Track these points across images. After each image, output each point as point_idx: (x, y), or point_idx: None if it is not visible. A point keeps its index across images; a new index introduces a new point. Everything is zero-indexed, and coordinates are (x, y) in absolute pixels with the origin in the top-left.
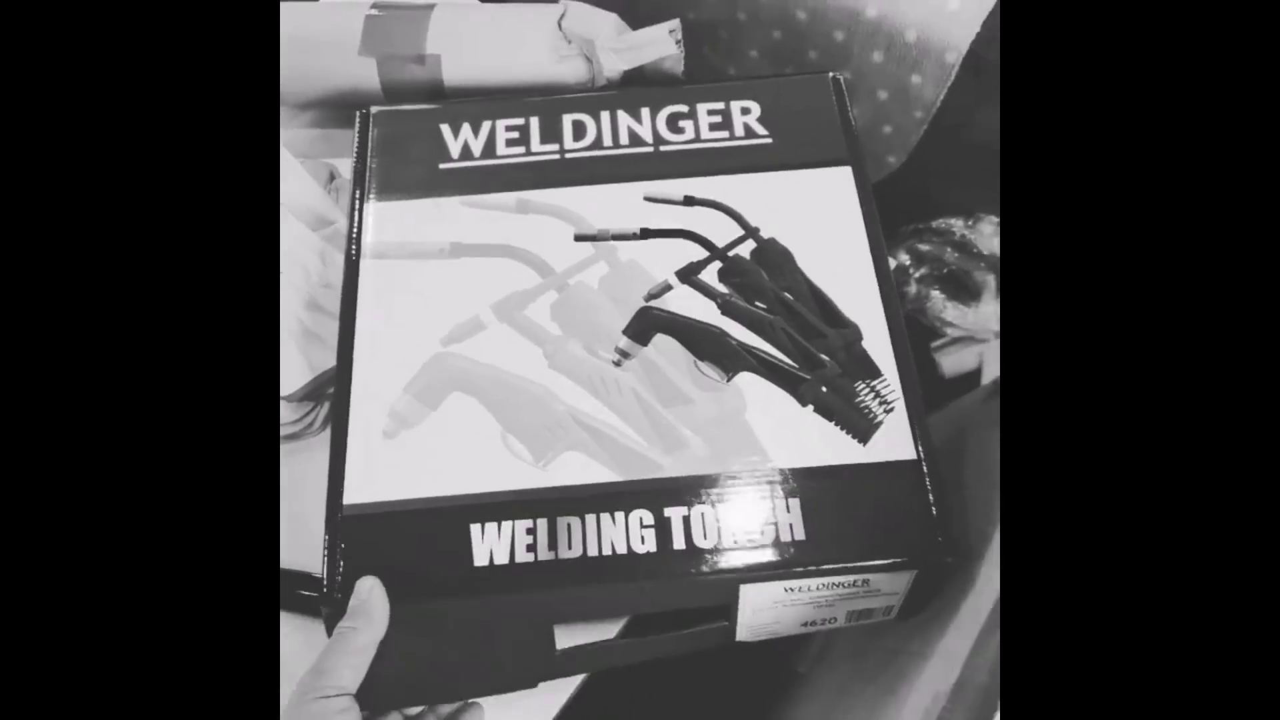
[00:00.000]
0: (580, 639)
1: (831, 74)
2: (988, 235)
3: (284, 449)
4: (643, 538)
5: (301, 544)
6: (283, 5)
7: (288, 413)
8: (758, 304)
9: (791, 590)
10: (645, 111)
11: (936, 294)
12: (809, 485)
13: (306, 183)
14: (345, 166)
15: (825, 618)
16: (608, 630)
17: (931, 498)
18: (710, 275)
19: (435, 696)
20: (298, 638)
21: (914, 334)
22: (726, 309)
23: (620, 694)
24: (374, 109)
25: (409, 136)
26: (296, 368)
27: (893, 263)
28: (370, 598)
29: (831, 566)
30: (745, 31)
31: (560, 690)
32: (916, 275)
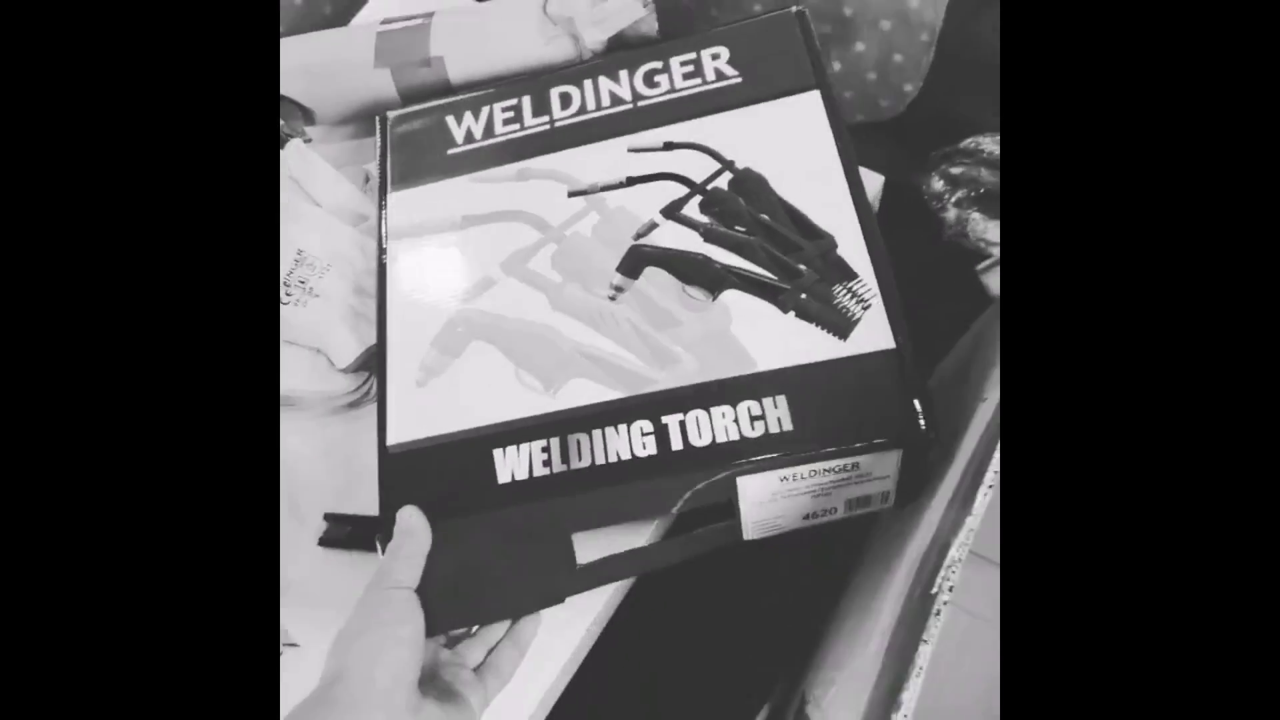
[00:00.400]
0: (598, 554)
1: (794, 8)
2: None
3: (348, 414)
4: (644, 444)
5: (371, 492)
6: (305, 36)
7: (345, 383)
8: (737, 228)
9: (787, 479)
10: (624, 73)
11: (976, 215)
12: (794, 381)
13: (345, 186)
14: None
15: (825, 508)
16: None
17: (911, 380)
18: (692, 209)
19: (471, 618)
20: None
21: (959, 259)
22: (709, 236)
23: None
24: (390, 114)
25: (420, 132)
26: (348, 344)
27: (927, 190)
28: (411, 519)
29: (818, 450)
30: None
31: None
32: (953, 199)
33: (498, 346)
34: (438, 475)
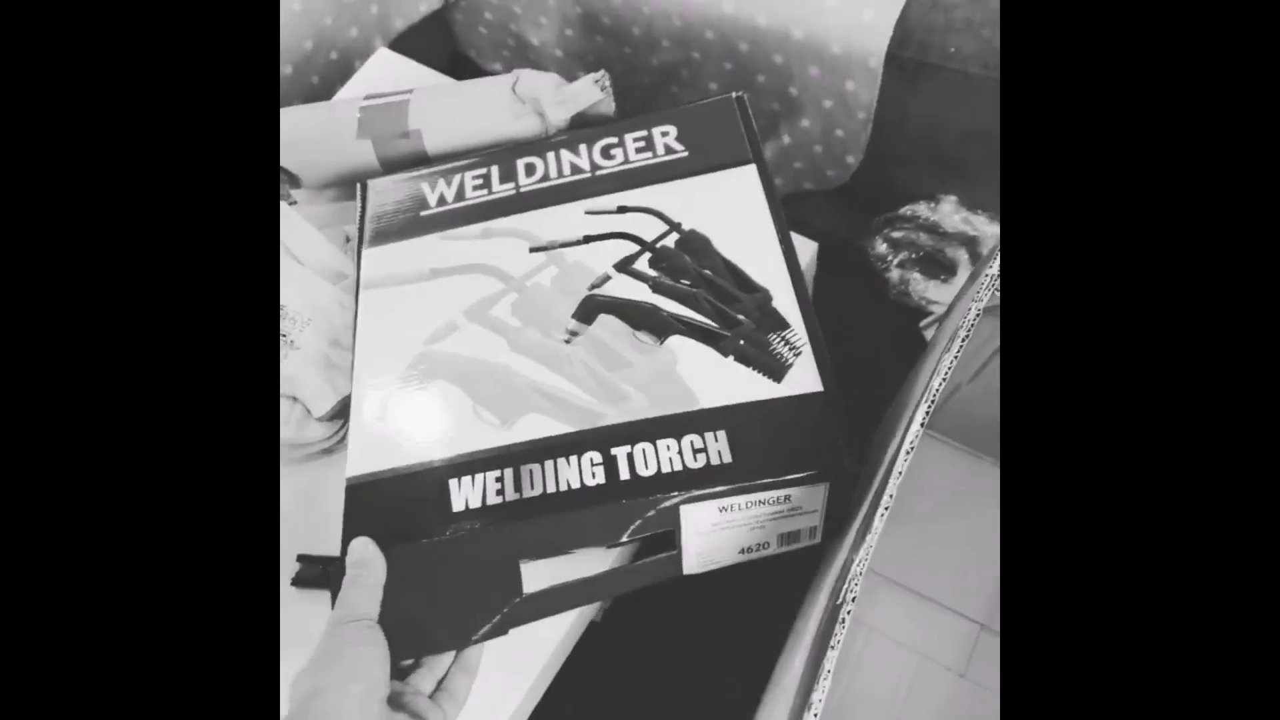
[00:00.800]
0: (544, 584)
1: (734, 94)
2: (950, 214)
3: (322, 461)
4: (594, 473)
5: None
6: (293, 109)
7: (320, 430)
8: (683, 281)
9: (726, 510)
10: (583, 147)
11: (917, 276)
12: (733, 418)
13: (326, 246)
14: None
15: (759, 542)
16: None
17: (836, 420)
18: (642, 264)
19: (420, 649)
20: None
21: (904, 315)
22: (657, 288)
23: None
24: (370, 181)
25: (395, 198)
26: (324, 393)
27: (872, 252)
28: (364, 550)
29: (757, 483)
30: (701, 68)
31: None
32: (895, 261)
33: (457, 384)
34: (395, 504)
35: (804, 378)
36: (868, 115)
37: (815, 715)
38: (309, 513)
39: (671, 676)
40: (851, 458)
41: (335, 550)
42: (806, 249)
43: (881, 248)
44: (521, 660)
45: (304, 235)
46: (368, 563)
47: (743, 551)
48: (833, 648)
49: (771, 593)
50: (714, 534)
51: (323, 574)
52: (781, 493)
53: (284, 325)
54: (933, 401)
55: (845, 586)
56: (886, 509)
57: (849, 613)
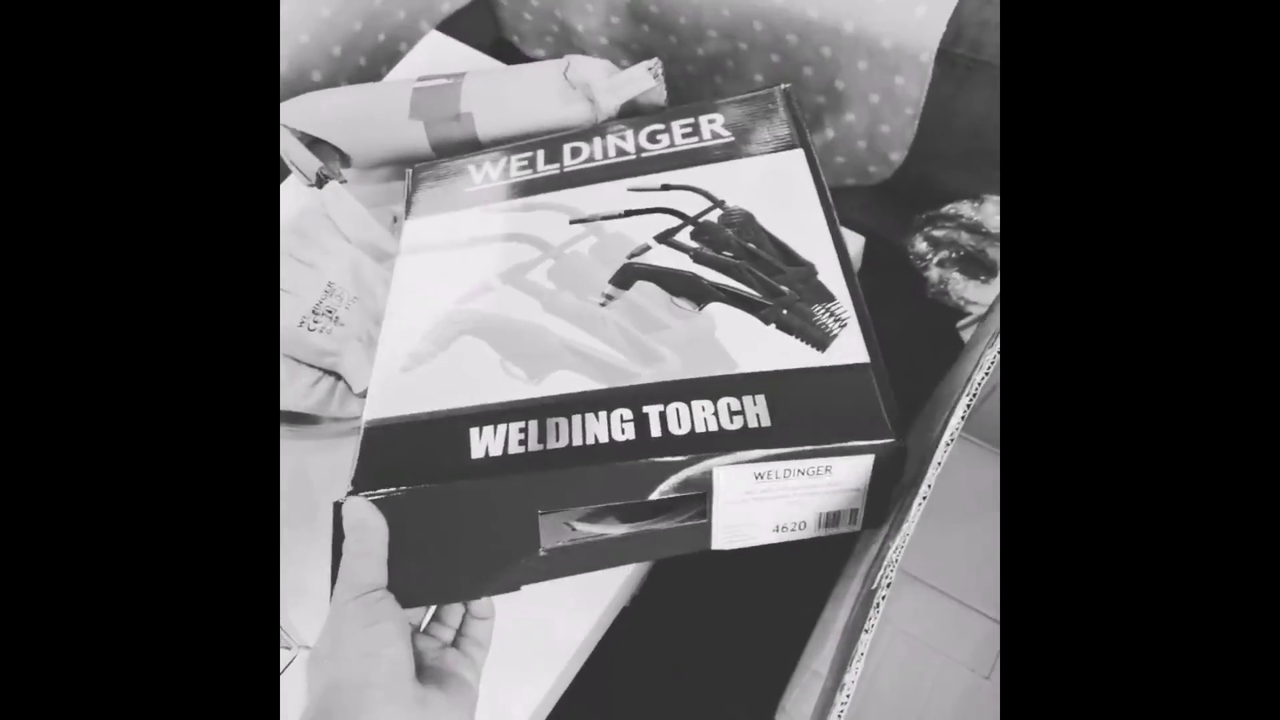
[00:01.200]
0: (562, 541)
1: (781, 86)
2: (994, 214)
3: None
4: (623, 429)
5: None
6: (347, 88)
7: (360, 407)
8: (725, 254)
9: (762, 478)
10: (629, 132)
11: (957, 275)
12: (773, 384)
13: (374, 226)
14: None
15: (795, 521)
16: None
17: (879, 392)
18: (683, 236)
19: (430, 598)
20: None
21: (941, 314)
22: (698, 258)
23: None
24: (418, 165)
25: (442, 177)
26: (364, 369)
27: (912, 250)
28: (359, 512)
29: (797, 449)
30: (748, 59)
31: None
32: (935, 260)
33: (487, 341)
34: (411, 450)
35: (849, 348)
36: (915, 111)
37: (848, 696)
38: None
39: (700, 659)
40: (898, 432)
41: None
42: (854, 242)
43: (921, 246)
44: (556, 642)
45: (351, 213)
46: (366, 526)
47: (777, 530)
48: (866, 631)
49: (800, 578)
50: (747, 504)
51: None
52: (823, 462)
53: (331, 302)
54: (974, 395)
55: (881, 573)
56: (924, 498)
57: (884, 598)
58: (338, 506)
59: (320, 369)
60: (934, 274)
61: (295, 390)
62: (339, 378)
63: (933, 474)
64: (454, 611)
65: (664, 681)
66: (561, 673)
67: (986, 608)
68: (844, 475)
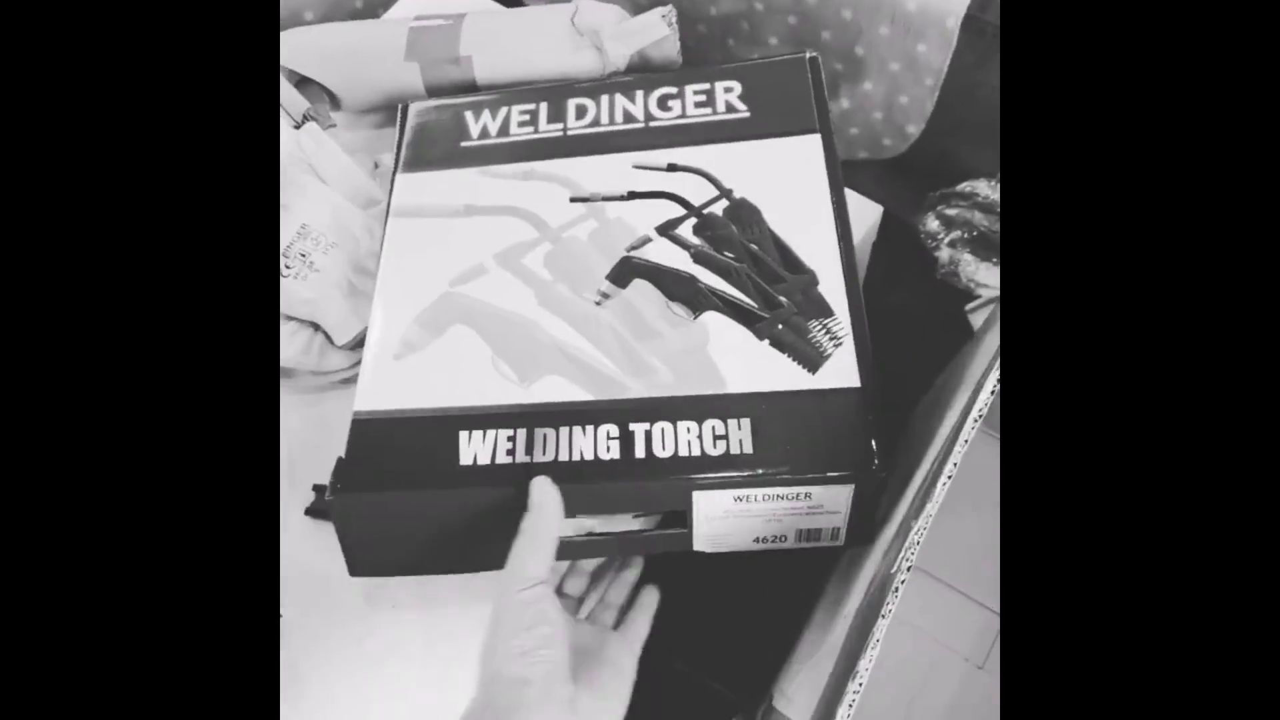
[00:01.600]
0: None
1: (808, 54)
2: None
3: (341, 390)
4: (608, 447)
5: None
6: (338, 24)
7: (341, 359)
8: (726, 253)
9: (741, 500)
10: (639, 94)
11: (968, 256)
12: (759, 407)
13: (354, 170)
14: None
15: (776, 534)
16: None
17: (870, 420)
18: (686, 230)
19: (418, 568)
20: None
21: (949, 296)
22: (698, 258)
23: None
24: (411, 104)
25: (436, 123)
26: (348, 321)
27: (923, 229)
28: (545, 493)
29: (774, 474)
30: (764, 20)
31: None
32: (947, 240)
33: (479, 332)
34: (400, 448)
35: (841, 371)
36: (935, 82)
37: (860, 684)
38: (326, 442)
39: (688, 639)
40: (882, 462)
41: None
42: (870, 213)
43: (933, 224)
44: None
45: (331, 156)
46: (544, 510)
47: (758, 541)
48: (883, 616)
49: (795, 557)
50: (727, 520)
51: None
52: (801, 489)
53: (304, 245)
54: (995, 391)
55: (901, 555)
56: (950, 477)
57: (902, 582)
58: (334, 499)
59: (297, 319)
60: (944, 254)
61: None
62: (317, 328)
63: (959, 453)
64: (618, 591)
65: (650, 659)
66: None
67: (985, 598)
68: (824, 500)
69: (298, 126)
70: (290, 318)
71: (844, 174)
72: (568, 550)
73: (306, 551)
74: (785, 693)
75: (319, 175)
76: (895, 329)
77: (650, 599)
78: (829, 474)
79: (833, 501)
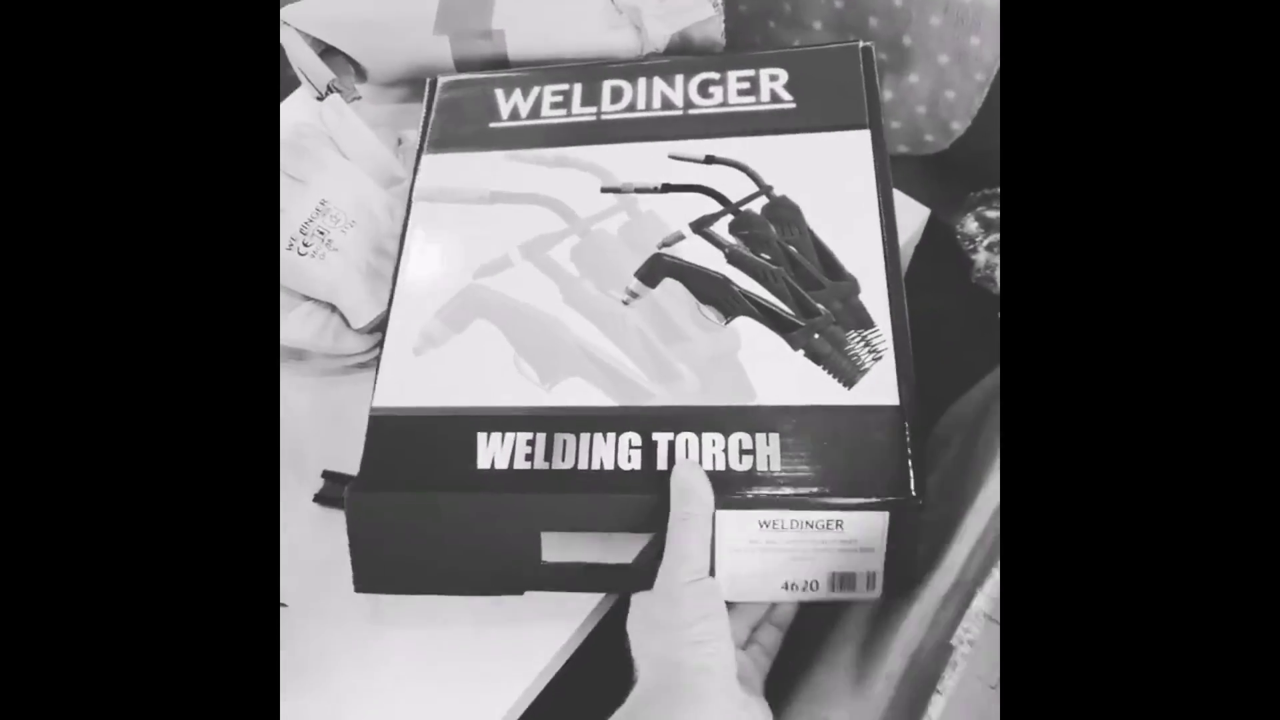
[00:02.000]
0: (567, 558)
1: (861, 44)
2: None
3: (358, 375)
4: (629, 456)
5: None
6: None
7: (358, 343)
8: (763, 255)
9: (767, 526)
10: (679, 78)
11: None
12: (789, 422)
13: (377, 146)
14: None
15: (806, 580)
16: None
17: (908, 441)
18: (722, 228)
19: (429, 587)
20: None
21: (985, 302)
22: (732, 258)
23: None
24: (440, 78)
25: (465, 100)
26: (366, 304)
27: (961, 230)
28: (692, 479)
29: (803, 496)
30: (807, 3)
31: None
32: (985, 243)
33: (501, 328)
34: (418, 446)
35: (879, 387)
36: (986, 78)
37: None
38: (338, 428)
39: None
40: (920, 489)
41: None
42: (916, 216)
43: (971, 226)
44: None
45: (354, 131)
46: (696, 493)
47: (787, 588)
48: (939, 693)
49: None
50: (752, 554)
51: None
52: (832, 516)
53: (323, 222)
54: None
55: (962, 626)
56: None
57: (964, 655)
58: (350, 499)
59: (314, 300)
60: (981, 257)
61: (288, 324)
62: (334, 309)
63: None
64: (749, 612)
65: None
66: (540, 674)
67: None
68: (856, 532)
69: (321, 98)
70: (306, 297)
71: (892, 198)
72: (571, 576)
73: (312, 539)
74: None
75: (340, 150)
76: (924, 336)
77: (783, 617)
78: (861, 499)
79: (867, 535)
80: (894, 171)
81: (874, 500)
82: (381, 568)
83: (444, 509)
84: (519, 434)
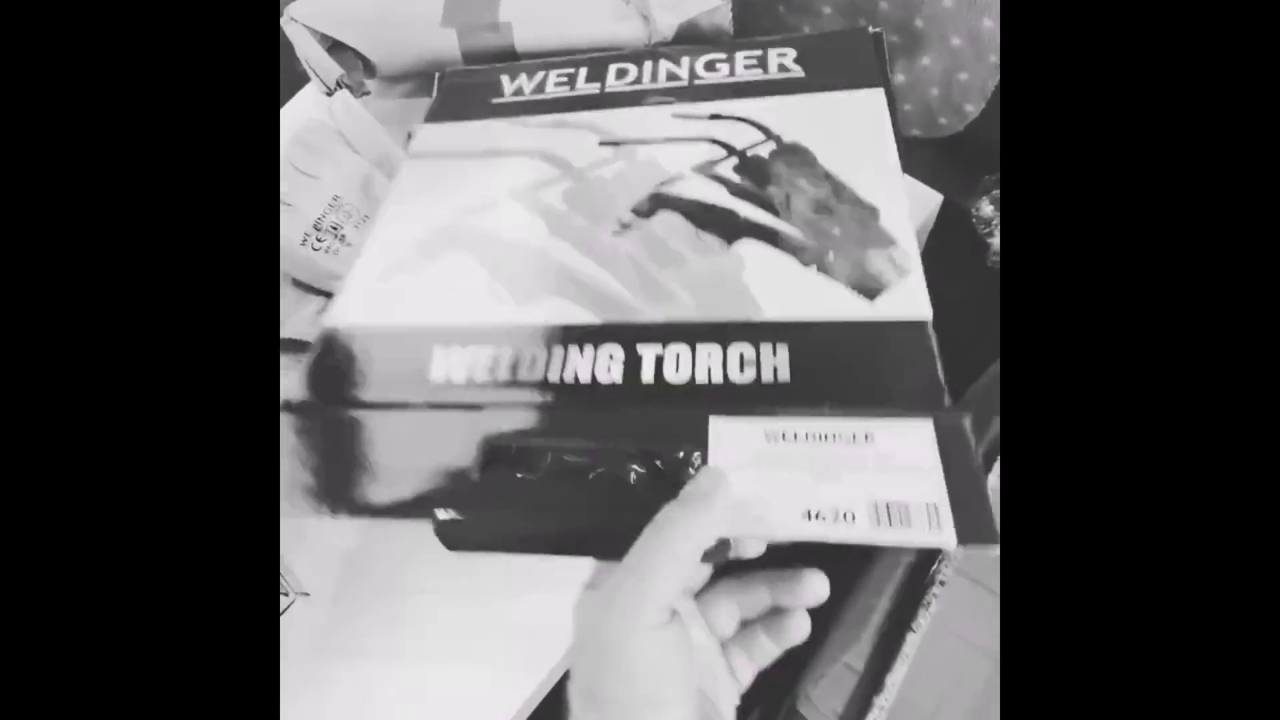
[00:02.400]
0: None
1: (871, 29)
2: None
3: None
4: (609, 368)
5: None
6: None
7: None
8: (770, 188)
9: (774, 439)
10: (685, 59)
11: None
12: (801, 335)
13: (386, 139)
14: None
15: (837, 508)
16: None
17: (939, 358)
18: (725, 168)
19: (362, 509)
20: None
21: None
22: (736, 191)
23: None
24: (449, 71)
25: (470, 85)
26: None
27: (976, 214)
28: (711, 485)
29: (817, 408)
30: None
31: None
32: (1001, 226)
33: (477, 258)
34: (368, 364)
35: (907, 300)
36: (1000, 59)
37: (887, 701)
38: None
39: None
40: (955, 402)
41: None
42: (929, 201)
43: (987, 210)
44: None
45: (364, 125)
46: (705, 500)
47: (811, 518)
48: (913, 631)
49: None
50: (759, 472)
51: None
52: (858, 424)
53: (336, 217)
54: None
55: (934, 567)
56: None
57: (935, 595)
58: (285, 416)
59: (326, 294)
60: (997, 241)
61: (300, 319)
62: None
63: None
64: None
65: None
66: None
67: None
68: (895, 446)
69: (330, 94)
70: (319, 293)
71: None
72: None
73: (312, 535)
74: (809, 697)
75: (350, 145)
76: (937, 321)
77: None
78: (888, 409)
79: (910, 450)
80: (906, 157)
81: (902, 410)
82: (315, 490)
83: (387, 424)
84: (480, 347)
